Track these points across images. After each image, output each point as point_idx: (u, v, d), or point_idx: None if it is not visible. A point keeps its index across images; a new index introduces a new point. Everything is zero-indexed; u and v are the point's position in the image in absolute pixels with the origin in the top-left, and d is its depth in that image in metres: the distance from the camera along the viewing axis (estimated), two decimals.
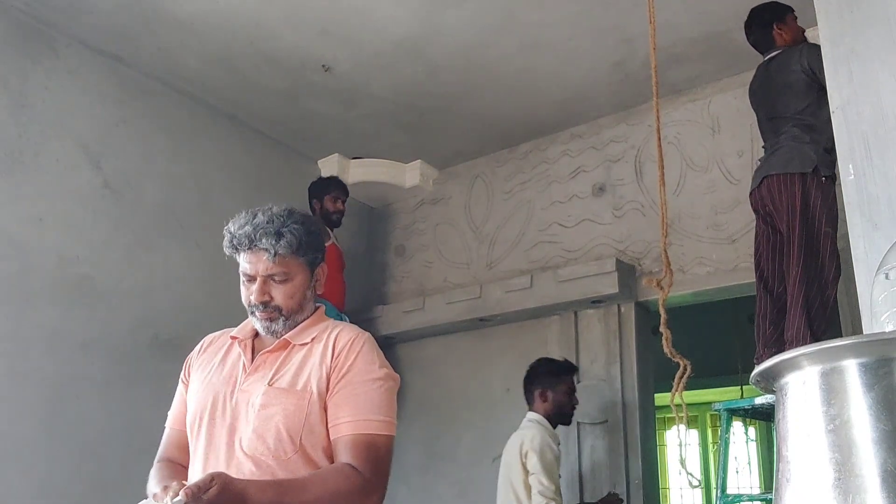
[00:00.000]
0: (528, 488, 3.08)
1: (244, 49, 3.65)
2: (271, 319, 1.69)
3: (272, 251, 1.64)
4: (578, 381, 3.55)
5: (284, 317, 1.70)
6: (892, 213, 1.76)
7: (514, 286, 4.07)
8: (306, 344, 1.70)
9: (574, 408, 3.36)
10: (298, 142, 4.52)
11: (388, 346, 4.64)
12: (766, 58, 2.98)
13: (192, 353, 1.85)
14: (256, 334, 1.77)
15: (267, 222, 1.66)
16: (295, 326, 1.72)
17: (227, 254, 1.71)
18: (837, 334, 2.83)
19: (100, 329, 3.40)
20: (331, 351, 1.67)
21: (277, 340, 1.71)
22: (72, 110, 3.50)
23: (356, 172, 4.70)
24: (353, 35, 3.55)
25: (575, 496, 3.69)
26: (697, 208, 3.78)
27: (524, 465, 3.09)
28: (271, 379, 1.65)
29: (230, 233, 1.68)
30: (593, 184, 4.20)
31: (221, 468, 1.54)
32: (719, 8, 3.30)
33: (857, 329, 2.70)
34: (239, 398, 1.65)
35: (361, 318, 4.61)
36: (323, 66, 3.77)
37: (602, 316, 3.92)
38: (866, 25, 1.94)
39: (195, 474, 1.60)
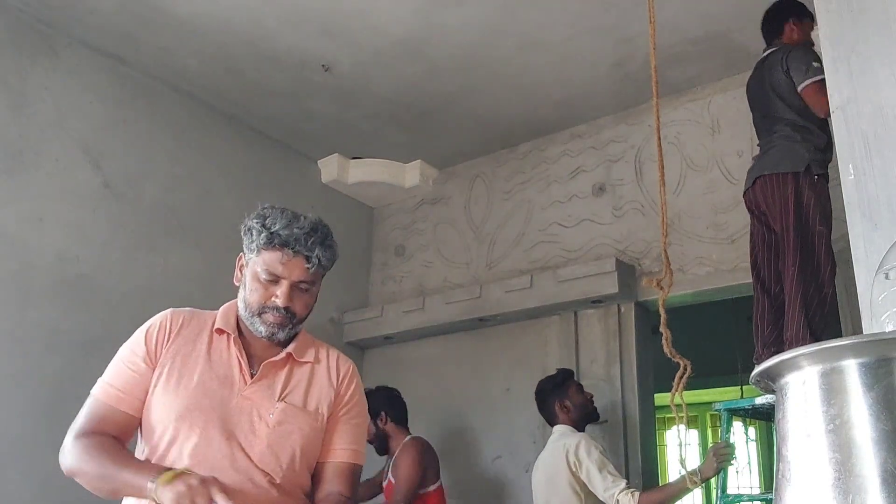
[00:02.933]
0: (578, 495, 2.98)
1: (244, 49, 3.65)
2: (282, 325, 1.64)
3: (316, 261, 1.60)
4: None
5: (292, 325, 1.66)
6: (892, 213, 1.75)
7: (513, 286, 4.06)
8: (308, 363, 1.72)
9: (593, 401, 3.34)
10: (298, 142, 4.52)
11: (387, 345, 4.64)
12: (765, 54, 2.98)
13: (153, 328, 1.67)
14: (239, 331, 1.69)
15: (311, 230, 1.61)
16: (293, 337, 1.71)
17: (253, 247, 1.62)
18: (837, 334, 2.83)
19: (100, 329, 3.40)
20: (335, 376, 1.73)
21: (282, 353, 1.68)
22: (72, 110, 3.50)
23: (356, 172, 4.70)
24: (353, 35, 3.55)
25: None
26: (697, 208, 3.78)
27: (574, 473, 2.99)
28: (281, 394, 1.64)
29: (266, 228, 1.59)
30: (593, 184, 4.20)
31: (229, 474, 1.53)
32: (719, 8, 3.29)
33: (857, 329, 2.69)
34: (241, 405, 1.61)
35: (361, 317, 4.61)
36: (323, 66, 3.77)
37: (602, 316, 3.92)
38: (866, 25, 1.94)
39: (194, 468, 1.52)
